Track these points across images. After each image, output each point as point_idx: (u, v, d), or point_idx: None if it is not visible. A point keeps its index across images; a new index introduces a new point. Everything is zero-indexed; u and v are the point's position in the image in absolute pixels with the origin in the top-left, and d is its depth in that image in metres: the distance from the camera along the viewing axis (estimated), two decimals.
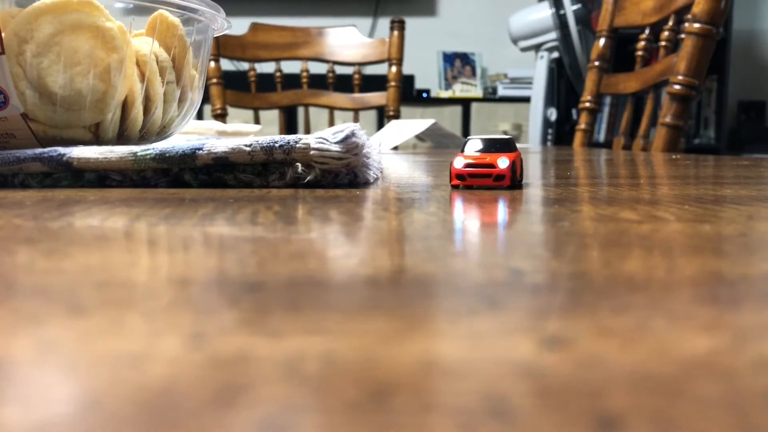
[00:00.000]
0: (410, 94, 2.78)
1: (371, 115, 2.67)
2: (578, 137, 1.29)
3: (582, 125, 1.28)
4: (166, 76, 0.46)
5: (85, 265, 0.15)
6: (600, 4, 1.27)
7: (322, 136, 0.34)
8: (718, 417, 0.07)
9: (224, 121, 1.56)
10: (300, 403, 0.08)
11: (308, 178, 0.34)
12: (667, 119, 1.02)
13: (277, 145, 0.34)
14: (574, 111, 2.67)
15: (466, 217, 0.24)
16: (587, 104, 1.26)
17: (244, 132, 0.94)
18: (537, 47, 2.53)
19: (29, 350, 0.10)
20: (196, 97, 0.51)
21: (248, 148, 0.34)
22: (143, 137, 0.47)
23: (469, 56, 3.02)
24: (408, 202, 0.28)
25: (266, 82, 1.72)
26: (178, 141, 0.46)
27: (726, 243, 0.18)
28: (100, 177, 0.35)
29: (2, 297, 0.13)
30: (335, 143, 0.34)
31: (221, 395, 0.08)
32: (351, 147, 0.34)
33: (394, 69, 1.59)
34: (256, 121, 1.60)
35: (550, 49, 2.51)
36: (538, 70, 2.56)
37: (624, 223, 0.22)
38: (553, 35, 2.41)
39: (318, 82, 1.76)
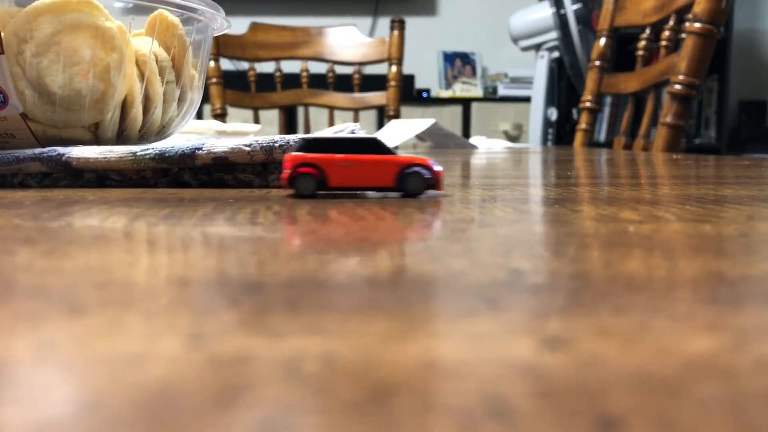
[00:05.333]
0: (410, 94, 2.78)
1: (371, 115, 2.67)
2: (579, 137, 1.29)
3: (583, 125, 1.28)
4: (166, 75, 0.46)
5: (84, 265, 0.15)
6: (600, 4, 1.27)
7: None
8: (719, 418, 0.07)
9: (224, 121, 1.56)
10: (300, 404, 0.08)
11: None
12: (668, 119, 1.02)
13: (276, 144, 0.34)
14: (574, 111, 2.67)
15: (464, 216, 0.24)
16: (588, 104, 1.26)
17: (244, 132, 0.93)
18: (537, 47, 2.53)
19: (28, 350, 0.10)
20: (195, 96, 0.51)
21: (248, 148, 0.34)
22: (143, 137, 0.47)
23: (469, 56, 3.02)
24: (408, 202, 0.28)
25: (266, 81, 1.72)
26: (177, 141, 0.46)
27: (727, 243, 0.18)
28: (100, 177, 0.35)
29: (1, 297, 0.13)
30: None
31: (221, 396, 0.08)
32: None
33: (394, 68, 1.59)
34: (256, 120, 1.60)
35: (551, 49, 2.51)
36: (539, 69, 2.56)
37: (625, 223, 0.22)
38: (553, 35, 2.41)
39: (318, 82, 1.76)
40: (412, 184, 0.30)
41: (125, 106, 0.44)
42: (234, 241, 0.18)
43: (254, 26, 1.60)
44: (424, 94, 2.86)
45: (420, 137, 1.23)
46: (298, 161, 0.29)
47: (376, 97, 1.62)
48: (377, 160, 0.29)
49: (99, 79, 0.41)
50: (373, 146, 0.30)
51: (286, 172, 0.29)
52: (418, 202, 0.28)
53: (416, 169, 0.30)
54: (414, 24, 2.94)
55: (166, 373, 0.09)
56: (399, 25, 1.57)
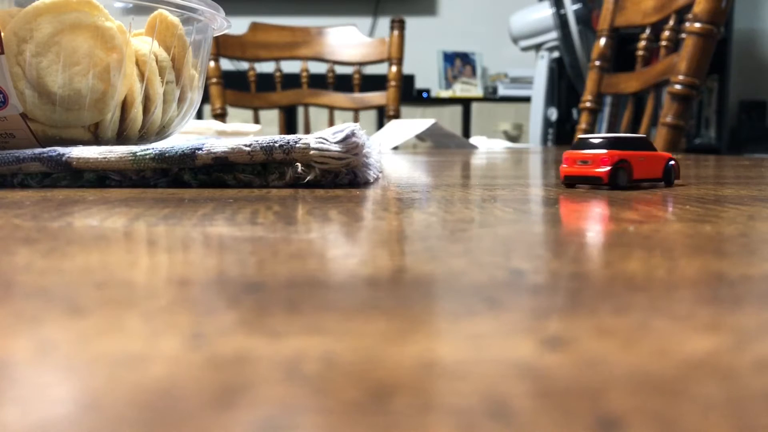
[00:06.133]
0: (410, 94, 2.78)
1: (371, 115, 2.67)
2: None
3: (583, 125, 1.28)
4: (166, 75, 0.46)
5: (84, 265, 0.15)
6: (601, 4, 1.27)
7: (322, 135, 0.34)
8: (718, 418, 0.07)
9: (224, 121, 1.56)
10: (300, 404, 0.08)
11: (308, 178, 0.34)
12: (668, 119, 1.02)
13: (276, 144, 0.34)
14: (574, 111, 2.67)
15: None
16: (588, 104, 1.26)
17: (244, 132, 0.94)
18: (537, 47, 2.53)
19: (28, 350, 0.10)
20: (195, 96, 0.51)
21: (248, 148, 0.34)
22: (143, 137, 0.47)
23: (469, 56, 3.02)
24: (408, 202, 0.28)
25: (266, 81, 1.72)
26: (177, 141, 0.46)
27: (727, 243, 0.18)
28: (100, 177, 0.35)
29: (1, 297, 0.13)
30: (335, 143, 0.33)
31: (221, 396, 0.08)
32: (351, 147, 0.34)
33: (394, 69, 1.59)
34: (256, 120, 1.60)
35: (551, 49, 2.51)
36: (539, 69, 2.56)
37: (625, 223, 0.22)
38: (553, 35, 2.41)
39: (318, 82, 1.76)
40: (674, 175, 0.36)
41: (125, 106, 0.44)
42: (234, 241, 0.18)
43: (254, 26, 1.60)
44: (424, 94, 2.86)
45: (420, 137, 1.23)
46: (616, 158, 0.33)
47: (376, 97, 1.62)
48: (655, 155, 0.35)
49: (99, 79, 0.41)
50: (643, 143, 0.35)
51: (606, 169, 0.33)
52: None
53: (673, 162, 0.36)
54: (414, 24, 2.94)
55: (166, 373, 0.09)
56: (399, 25, 1.58)
